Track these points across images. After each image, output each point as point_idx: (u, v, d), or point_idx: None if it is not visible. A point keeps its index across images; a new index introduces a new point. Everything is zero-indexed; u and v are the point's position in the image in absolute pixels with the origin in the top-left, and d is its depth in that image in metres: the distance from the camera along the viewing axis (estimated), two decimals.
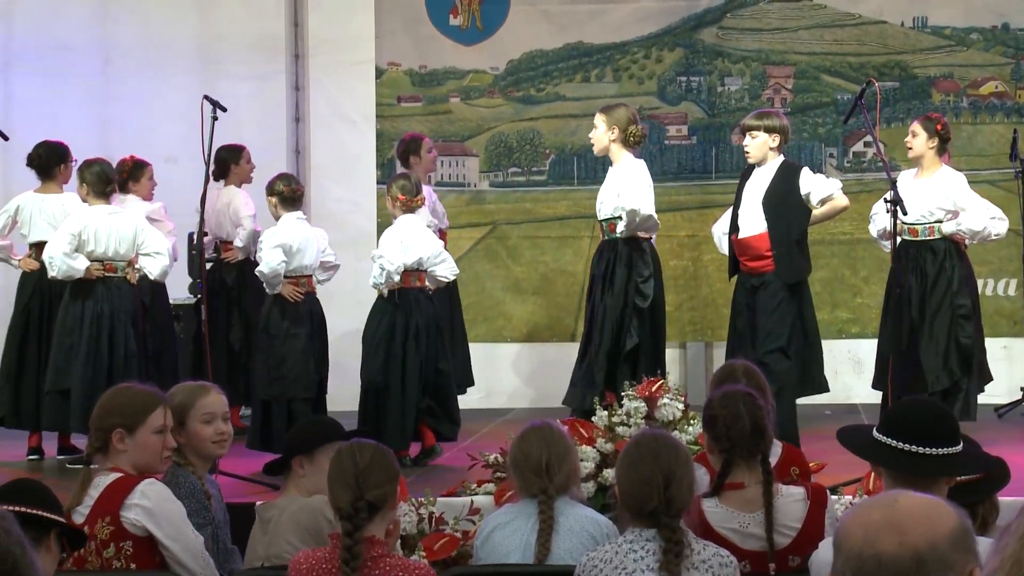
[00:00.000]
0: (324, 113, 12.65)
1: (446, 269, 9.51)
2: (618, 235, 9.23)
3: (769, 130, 9.37)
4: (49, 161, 10.20)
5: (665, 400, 7.18)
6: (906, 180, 9.65)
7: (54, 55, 12.44)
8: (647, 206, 9.19)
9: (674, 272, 11.92)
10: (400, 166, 10.81)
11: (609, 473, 6.54)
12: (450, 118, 12.67)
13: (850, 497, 6.76)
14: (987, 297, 11.82)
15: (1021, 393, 11.04)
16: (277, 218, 9.52)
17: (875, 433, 4.43)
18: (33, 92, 12.36)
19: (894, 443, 4.35)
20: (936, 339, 9.61)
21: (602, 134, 9.42)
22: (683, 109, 12.51)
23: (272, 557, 5.40)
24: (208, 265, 10.54)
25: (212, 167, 10.12)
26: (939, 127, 9.64)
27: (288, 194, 9.49)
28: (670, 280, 11.18)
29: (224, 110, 8.71)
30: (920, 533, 2.53)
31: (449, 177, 12.30)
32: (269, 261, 9.38)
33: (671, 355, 10.87)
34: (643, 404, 7.15)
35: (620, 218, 9.19)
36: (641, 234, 9.33)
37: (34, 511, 4.21)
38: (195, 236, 9.57)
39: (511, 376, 12.49)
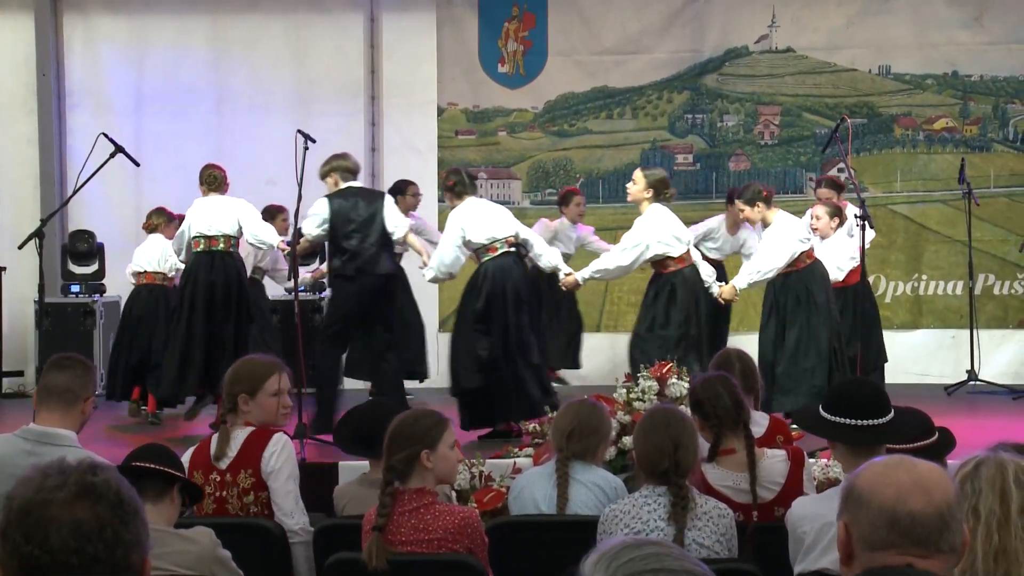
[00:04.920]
0: (395, 144, 12.64)
1: None
2: None
3: None
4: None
5: (673, 380, 7.16)
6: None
7: (177, 97, 12.48)
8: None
9: None
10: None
11: (627, 440, 6.53)
12: (498, 148, 12.65)
13: (825, 460, 6.75)
14: (939, 296, 11.79)
15: (966, 375, 10.97)
16: None
17: (821, 411, 4.40)
18: (160, 127, 12.38)
19: (837, 419, 4.33)
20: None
21: None
22: (689, 141, 12.48)
23: None
24: None
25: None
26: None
27: None
28: None
29: (314, 141, 8.69)
30: (940, 494, 2.51)
31: (497, 196, 12.28)
32: None
33: None
34: (655, 383, 7.13)
35: None
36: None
37: (161, 468, 4.25)
38: (291, 245, 9.57)
39: None
